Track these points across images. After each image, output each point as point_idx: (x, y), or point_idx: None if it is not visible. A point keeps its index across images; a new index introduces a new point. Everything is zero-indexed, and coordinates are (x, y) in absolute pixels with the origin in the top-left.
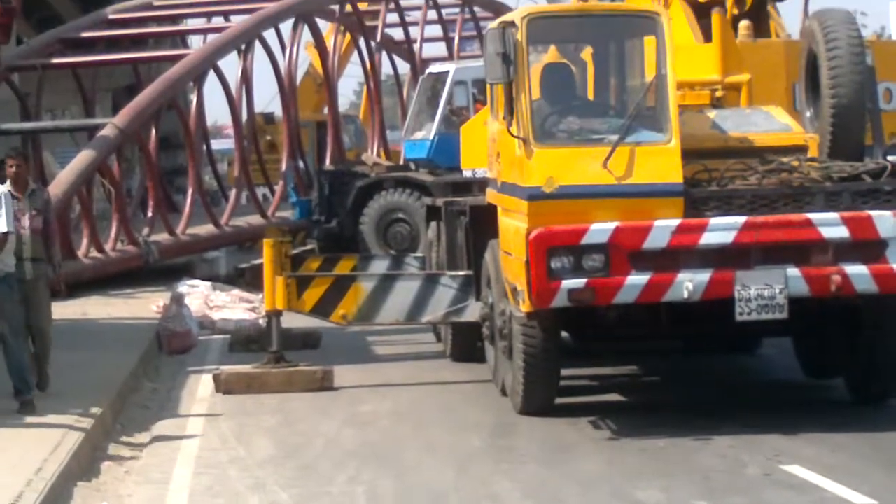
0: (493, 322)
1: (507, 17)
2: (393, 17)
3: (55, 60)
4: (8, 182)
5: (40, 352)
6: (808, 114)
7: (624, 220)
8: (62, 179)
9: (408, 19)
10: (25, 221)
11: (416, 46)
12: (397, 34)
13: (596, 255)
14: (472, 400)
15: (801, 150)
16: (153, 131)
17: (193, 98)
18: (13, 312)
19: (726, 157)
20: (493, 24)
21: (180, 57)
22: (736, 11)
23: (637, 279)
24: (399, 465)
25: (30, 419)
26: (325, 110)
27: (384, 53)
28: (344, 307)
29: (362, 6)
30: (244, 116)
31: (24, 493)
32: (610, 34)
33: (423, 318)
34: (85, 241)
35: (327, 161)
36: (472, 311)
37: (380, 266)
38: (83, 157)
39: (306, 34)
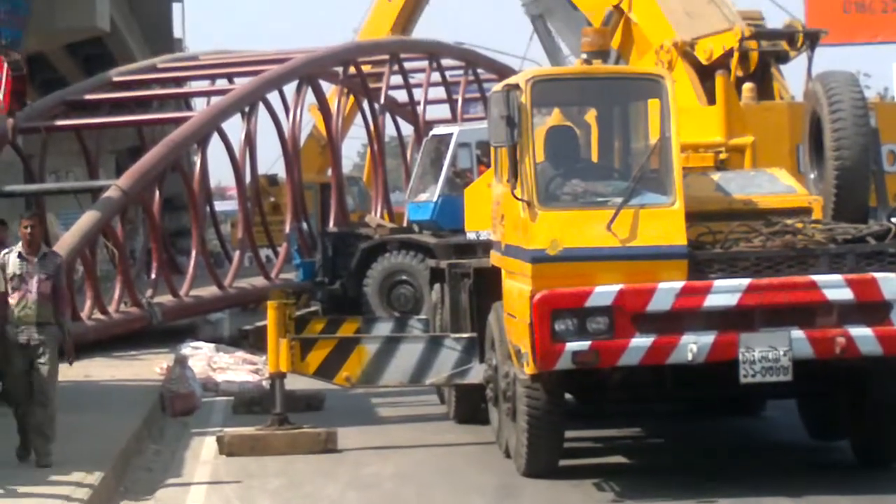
0: (496, 384)
1: (511, 80)
2: (397, 79)
3: (59, 122)
4: (20, 243)
5: (42, 420)
6: (812, 176)
7: (628, 282)
8: (66, 241)
9: (411, 81)
10: (33, 285)
11: (419, 108)
12: (401, 96)
13: (600, 317)
14: (476, 462)
15: (805, 212)
16: (157, 193)
17: (197, 160)
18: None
19: (730, 219)
20: (497, 86)
21: (184, 119)
22: (741, 73)
23: (641, 341)
24: None
25: (26, 489)
26: (329, 172)
27: (388, 115)
28: (348, 369)
29: (366, 68)
30: (248, 178)
31: None
32: (614, 97)
33: (427, 380)
34: (88, 303)
35: (331, 223)
36: (476, 374)
37: (384, 328)
38: (87, 218)
39: (310, 96)
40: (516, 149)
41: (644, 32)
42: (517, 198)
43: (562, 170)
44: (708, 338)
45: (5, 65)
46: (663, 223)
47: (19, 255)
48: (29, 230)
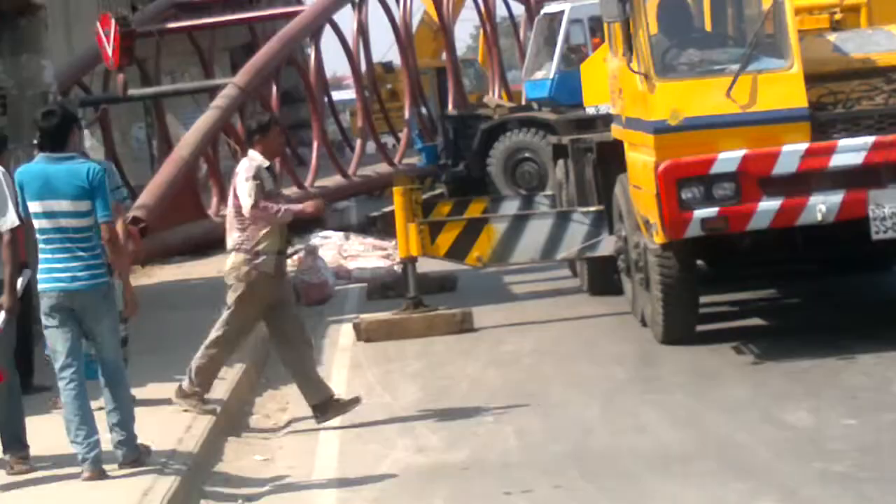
0: (628, 255)
1: None
2: None
3: (171, 25)
4: None
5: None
6: None
7: (751, 147)
8: (187, 141)
9: None
10: None
11: None
12: None
13: (726, 183)
14: (613, 332)
15: None
16: (274, 88)
17: (311, 52)
18: None
19: (850, 79)
20: None
21: (295, 14)
22: None
23: (769, 205)
24: (545, 401)
25: (177, 376)
26: (443, 56)
27: None
28: (478, 249)
29: None
30: (363, 67)
31: (177, 450)
32: None
33: (558, 255)
34: (214, 201)
35: (450, 106)
36: (607, 246)
37: (511, 206)
38: (207, 117)
39: None
40: (630, 22)
41: None
42: (634, 71)
43: (676, 40)
44: (836, 197)
45: (113, 21)
46: (783, 87)
47: None
48: None
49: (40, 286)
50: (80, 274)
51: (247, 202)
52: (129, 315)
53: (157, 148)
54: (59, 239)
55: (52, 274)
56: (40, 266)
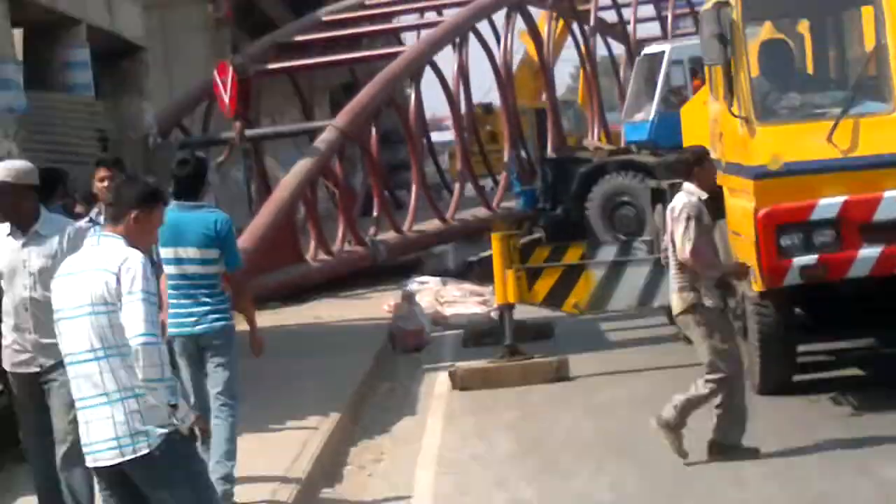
0: None
1: None
2: (605, 0)
3: (272, 66)
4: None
5: None
6: None
7: (852, 193)
8: (286, 184)
9: (620, 1)
10: None
11: (629, 27)
12: (610, 16)
13: (826, 230)
14: None
15: None
16: (373, 130)
17: (411, 93)
18: None
19: None
20: (708, 4)
21: (396, 54)
22: None
23: (869, 252)
24: (641, 453)
25: (272, 425)
26: (543, 97)
27: (598, 36)
28: (575, 296)
29: None
30: (462, 108)
31: (270, 502)
32: (827, 6)
33: (656, 302)
34: (312, 244)
35: (548, 148)
36: None
37: (608, 252)
38: (306, 161)
39: (520, 23)
40: (730, 65)
41: None
42: (734, 115)
43: (777, 83)
44: None
45: (230, 69)
46: (885, 131)
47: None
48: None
49: (169, 331)
50: (203, 318)
51: (685, 246)
52: (257, 354)
53: (256, 190)
54: (185, 285)
55: (178, 319)
56: (169, 311)
